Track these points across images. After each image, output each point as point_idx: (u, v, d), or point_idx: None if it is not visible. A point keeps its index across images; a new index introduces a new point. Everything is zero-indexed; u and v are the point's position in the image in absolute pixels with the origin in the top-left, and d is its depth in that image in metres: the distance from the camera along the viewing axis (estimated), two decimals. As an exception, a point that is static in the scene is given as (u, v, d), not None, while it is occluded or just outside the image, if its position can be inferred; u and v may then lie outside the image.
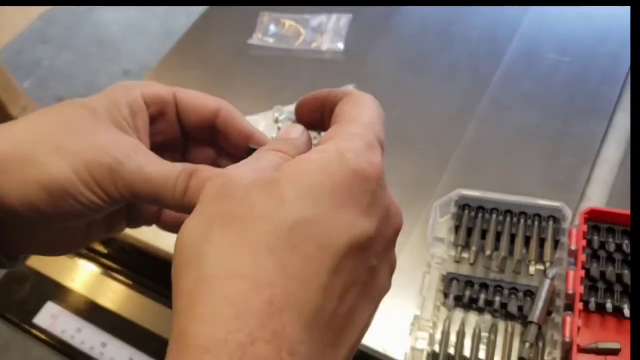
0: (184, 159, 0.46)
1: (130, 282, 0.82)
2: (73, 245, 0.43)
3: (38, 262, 0.83)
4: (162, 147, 0.44)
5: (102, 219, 0.42)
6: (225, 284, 0.28)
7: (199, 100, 0.42)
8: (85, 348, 0.76)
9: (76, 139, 0.37)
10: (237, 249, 0.29)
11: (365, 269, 0.31)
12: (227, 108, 0.42)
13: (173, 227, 0.44)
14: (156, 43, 2.44)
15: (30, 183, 0.36)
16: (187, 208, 0.36)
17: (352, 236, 0.30)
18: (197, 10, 1.09)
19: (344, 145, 0.32)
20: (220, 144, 0.44)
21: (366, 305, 0.32)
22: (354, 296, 0.31)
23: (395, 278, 0.74)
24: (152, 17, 2.51)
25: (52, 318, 0.78)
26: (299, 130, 0.38)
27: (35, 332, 0.78)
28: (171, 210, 0.38)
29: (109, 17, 2.52)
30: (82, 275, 0.82)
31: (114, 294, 0.81)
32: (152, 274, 0.81)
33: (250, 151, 0.39)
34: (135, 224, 0.45)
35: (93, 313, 0.79)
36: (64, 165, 0.36)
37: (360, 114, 0.35)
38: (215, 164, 0.45)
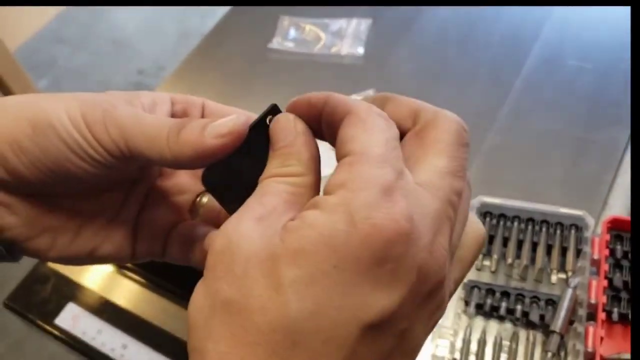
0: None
1: (150, 284, 0.82)
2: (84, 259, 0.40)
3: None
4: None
5: (108, 239, 0.39)
6: None
7: (227, 109, 0.40)
8: (105, 349, 0.76)
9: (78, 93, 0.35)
10: (237, 349, 0.27)
11: (391, 339, 0.27)
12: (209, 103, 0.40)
13: (181, 258, 0.40)
14: (170, 43, 2.44)
15: (18, 118, 0.33)
16: (182, 148, 0.33)
17: (363, 321, 0.26)
18: (211, 10, 1.09)
19: (354, 201, 0.26)
20: None
21: None
22: None
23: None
24: (166, 16, 2.52)
25: (73, 319, 0.79)
26: (290, 132, 0.32)
27: (56, 332, 0.78)
28: (166, 160, 0.34)
29: (124, 16, 2.53)
30: (102, 277, 0.83)
31: (134, 296, 0.81)
32: (170, 276, 0.81)
33: (272, 109, 0.34)
34: (141, 255, 0.41)
35: (113, 314, 0.79)
36: (57, 103, 0.34)
37: (370, 142, 0.28)
38: None
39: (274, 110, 0.34)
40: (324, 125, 0.32)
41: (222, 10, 1.08)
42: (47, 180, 0.34)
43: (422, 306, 0.28)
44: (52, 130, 0.33)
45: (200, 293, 0.28)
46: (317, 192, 0.32)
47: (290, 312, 0.26)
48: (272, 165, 0.32)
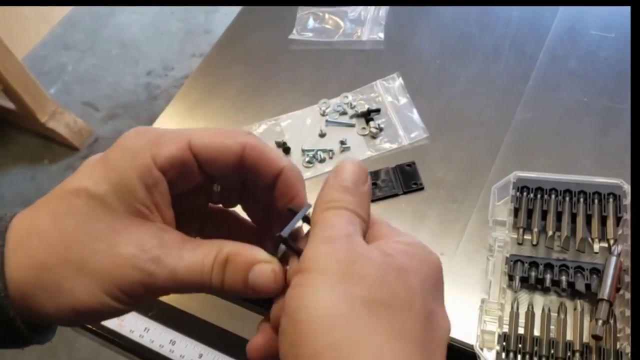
0: (209, 192, 0.43)
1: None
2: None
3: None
4: (186, 193, 0.41)
5: None
6: None
7: (219, 145, 0.38)
8: (154, 346, 0.77)
9: (95, 252, 0.35)
10: (389, 341, 0.30)
11: None
12: (251, 145, 0.39)
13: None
14: (176, 42, 2.45)
15: (65, 309, 0.35)
16: (226, 293, 0.36)
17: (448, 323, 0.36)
18: (215, 8, 1.09)
19: (416, 239, 0.37)
20: (247, 174, 0.40)
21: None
22: None
23: (458, 262, 0.75)
24: (170, 16, 2.52)
25: (119, 319, 0.80)
26: (361, 175, 0.38)
27: (104, 333, 0.79)
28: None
29: (128, 18, 2.53)
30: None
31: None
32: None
33: (292, 212, 0.39)
34: None
35: (158, 311, 0.80)
36: (92, 289, 0.35)
37: (375, 217, 0.39)
38: (243, 189, 0.43)
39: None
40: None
41: (226, 7, 1.07)
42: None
43: None
44: (101, 314, 0.36)
45: (324, 292, 0.31)
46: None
47: (426, 310, 0.33)
48: (348, 202, 0.37)
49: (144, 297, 0.36)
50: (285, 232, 0.37)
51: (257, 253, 0.36)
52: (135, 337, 0.78)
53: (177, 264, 0.35)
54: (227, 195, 0.44)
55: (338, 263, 0.32)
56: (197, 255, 0.36)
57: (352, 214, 0.36)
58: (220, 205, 0.45)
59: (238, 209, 0.46)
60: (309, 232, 0.37)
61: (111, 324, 0.80)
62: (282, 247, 0.38)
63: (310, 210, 0.39)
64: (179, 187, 0.39)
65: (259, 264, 0.36)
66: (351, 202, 0.36)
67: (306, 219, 0.39)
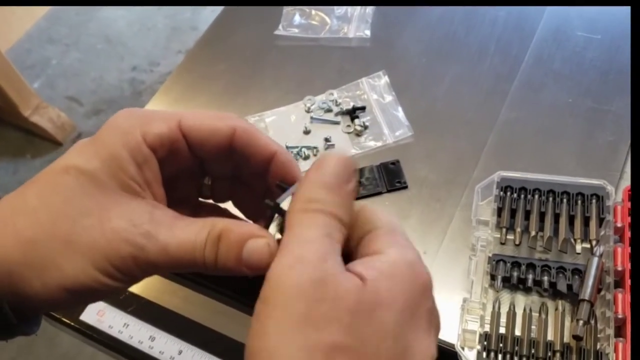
0: (200, 176, 0.43)
1: (172, 275, 0.82)
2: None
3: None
4: (177, 178, 0.40)
5: None
6: None
7: (209, 126, 0.38)
8: (133, 342, 0.76)
9: (86, 227, 0.34)
10: None
11: None
12: (241, 128, 0.38)
13: None
14: (162, 38, 2.43)
15: (53, 287, 0.34)
16: (218, 272, 0.35)
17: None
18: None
19: (409, 255, 0.33)
20: (238, 161, 0.40)
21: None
22: None
23: (441, 261, 0.75)
24: (157, 11, 2.50)
25: (98, 314, 0.79)
26: (347, 171, 0.35)
27: (82, 329, 0.78)
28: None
29: (114, 13, 2.51)
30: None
31: (157, 287, 0.81)
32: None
33: (281, 188, 0.37)
34: None
35: (137, 307, 0.80)
36: (82, 264, 0.34)
37: (395, 222, 0.36)
38: (235, 183, 0.43)
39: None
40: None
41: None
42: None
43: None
44: (92, 290, 0.35)
45: (285, 344, 0.29)
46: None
47: (394, 354, 0.30)
48: (329, 203, 0.34)
49: (136, 273, 0.35)
50: (280, 200, 0.36)
51: (251, 228, 0.35)
52: (114, 332, 0.77)
53: (169, 240, 0.35)
54: (218, 189, 0.43)
55: (304, 300, 0.29)
56: (190, 231, 0.35)
57: (332, 219, 0.33)
58: (211, 200, 0.44)
59: (230, 207, 0.45)
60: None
61: (90, 319, 0.79)
62: (275, 221, 0.36)
63: None
64: (169, 168, 0.39)
65: (253, 238, 0.34)
66: (332, 204, 0.33)
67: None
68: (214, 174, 0.42)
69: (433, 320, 0.34)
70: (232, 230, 0.35)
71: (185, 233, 0.35)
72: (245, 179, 0.42)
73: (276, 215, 0.36)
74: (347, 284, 0.30)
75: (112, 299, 0.80)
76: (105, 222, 0.34)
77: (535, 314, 0.68)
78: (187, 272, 0.36)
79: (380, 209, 0.36)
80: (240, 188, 0.43)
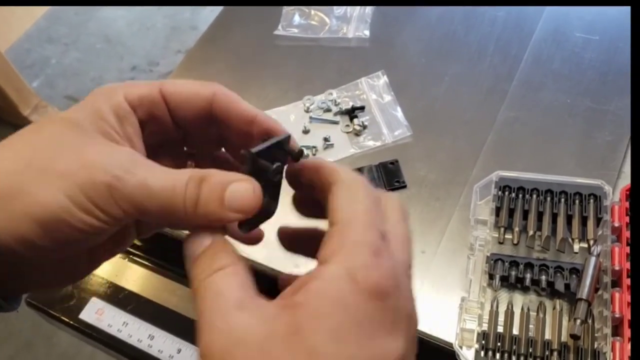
0: (184, 156, 0.43)
1: (171, 274, 0.82)
2: (78, 273, 0.40)
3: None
4: (159, 149, 0.40)
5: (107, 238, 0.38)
6: None
7: (189, 90, 0.39)
8: (133, 341, 0.76)
9: (63, 159, 0.33)
10: None
11: None
12: (221, 92, 0.39)
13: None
14: (162, 38, 2.43)
15: (20, 217, 0.32)
16: (200, 218, 0.34)
17: None
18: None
19: (351, 263, 0.30)
20: (220, 131, 0.40)
21: None
22: None
23: (439, 261, 0.75)
24: (156, 11, 2.50)
25: (97, 313, 0.79)
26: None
27: (81, 327, 0.78)
28: (182, 223, 0.36)
29: (114, 13, 2.51)
30: (124, 270, 0.83)
31: (156, 286, 0.82)
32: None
33: (266, 140, 0.37)
34: (146, 231, 0.42)
35: (136, 305, 0.80)
36: (53, 191, 0.32)
37: (356, 211, 0.33)
38: (219, 156, 0.43)
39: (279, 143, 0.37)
40: (317, 190, 0.36)
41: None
42: (48, 252, 0.34)
43: (414, 342, 0.32)
44: (64, 224, 0.32)
45: None
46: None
47: None
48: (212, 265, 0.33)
49: (110, 209, 0.33)
50: (255, 149, 0.35)
51: (235, 174, 0.35)
52: (113, 331, 0.78)
53: (148, 175, 0.34)
54: (201, 165, 0.42)
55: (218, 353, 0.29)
56: (171, 172, 0.34)
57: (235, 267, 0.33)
58: None
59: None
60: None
61: (89, 317, 0.79)
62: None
63: (292, 141, 0.38)
64: (152, 136, 0.39)
65: (236, 181, 0.34)
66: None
67: (286, 151, 0.38)
68: (196, 141, 0.42)
69: (398, 316, 0.31)
70: (214, 175, 0.34)
71: (166, 173, 0.34)
72: (230, 152, 0.42)
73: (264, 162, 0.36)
74: (250, 321, 0.30)
75: (111, 298, 0.80)
76: (83, 154, 0.34)
77: (533, 313, 0.68)
78: (165, 225, 0.36)
79: (342, 166, 0.36)
80: (224, 166, 0.43)
